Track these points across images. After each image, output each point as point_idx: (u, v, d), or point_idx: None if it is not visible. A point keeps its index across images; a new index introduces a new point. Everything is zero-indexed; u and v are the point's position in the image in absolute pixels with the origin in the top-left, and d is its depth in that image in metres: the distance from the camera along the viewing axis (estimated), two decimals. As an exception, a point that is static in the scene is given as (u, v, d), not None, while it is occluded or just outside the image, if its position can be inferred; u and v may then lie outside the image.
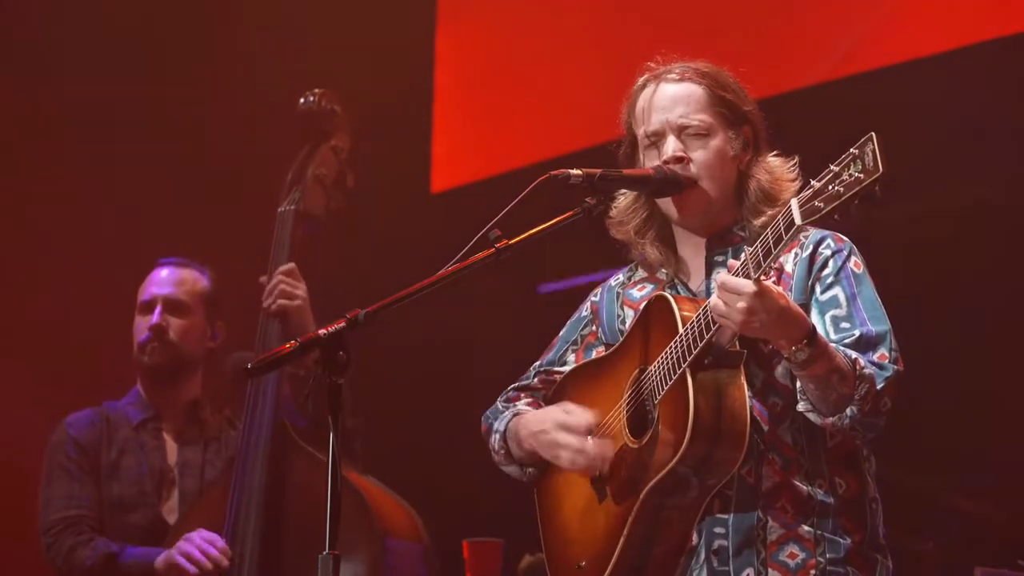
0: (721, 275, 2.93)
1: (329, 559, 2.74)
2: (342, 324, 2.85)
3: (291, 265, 4.58)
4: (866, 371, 2.97)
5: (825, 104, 5.47)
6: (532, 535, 3.70)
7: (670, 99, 3.24)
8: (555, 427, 3.22)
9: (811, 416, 3.03)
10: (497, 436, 3.40)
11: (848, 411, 2.97)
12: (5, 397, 5.89)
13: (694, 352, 3.00)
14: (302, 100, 4.80)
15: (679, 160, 3.21)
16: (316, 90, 4.80)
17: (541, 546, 3.46)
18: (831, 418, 2.99)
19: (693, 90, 3.24)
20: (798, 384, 3.03)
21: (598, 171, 3.16)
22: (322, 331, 2.84)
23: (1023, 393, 5.13)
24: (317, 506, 2.73)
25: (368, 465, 4.58)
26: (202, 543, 4.33)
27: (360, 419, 4.58)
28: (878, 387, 2.98)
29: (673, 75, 3.27)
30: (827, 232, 3.20)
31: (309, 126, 4.81)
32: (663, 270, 3.31)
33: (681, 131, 3.22)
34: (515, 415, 3.39)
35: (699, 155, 3.21)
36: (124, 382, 4.87)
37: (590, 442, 3.16)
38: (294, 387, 4.52)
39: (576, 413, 3.21)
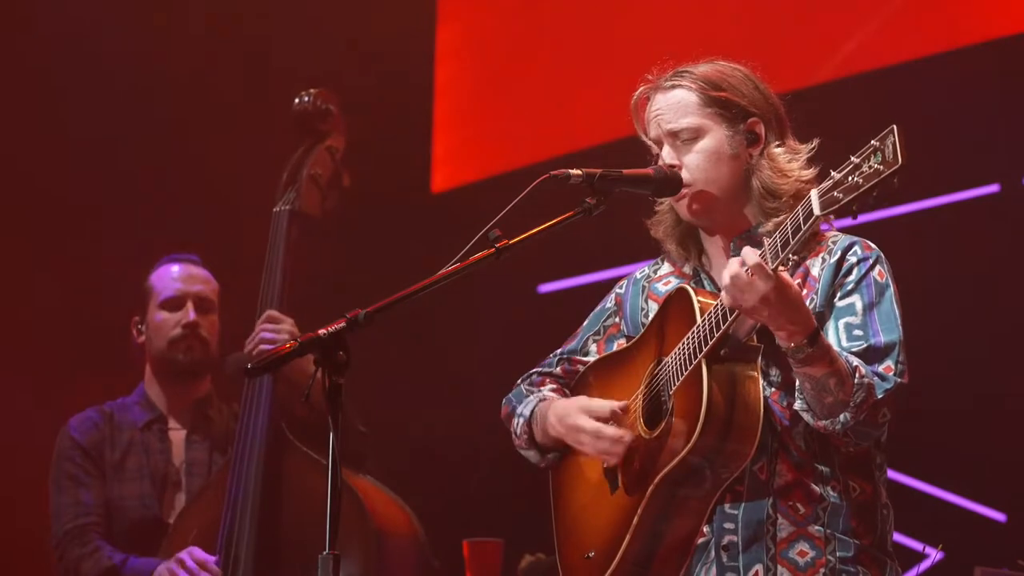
0: (751, 256, 2.91)
1: (329, 559, 2.74)
2: (342, 324, 2.85)
3: (270, 312, 4.59)
4: (865, 380, 2.97)
5: (827, 104, 5.46)
6: (532, 535, 3.71)
7: (662, 108, 3.25)
8: (578, 411, 3.24)
9: (805, 416, 3.03)
10: (521, 420, 3.39)
11: (841, 417, 2.97)
12: (7, 395, 5.89)
13: (710, 342, 3.00)
14: (297, 100, 4.80)
15: (671, 167, 3.22)
16: (311, 90, 4.80)
17: (543, 543, 3.46)
18: (824, 421, 3.00)
19: (683, 96, 3.24)
20: (797, 382, 3.03)
21: (598, 171, 3.16)
22: (322, 331, 2.84)
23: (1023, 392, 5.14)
24: (313, 506, 2.74)
25: (375, 456, 4.58)
26: (193, 567, 4.33)
27: (370, 437, 4.59)
28: (877, 397, 2.98)
29: (667, 83, 3.27)
30: (856, 239, 3.19)
31: (304, 126, 4.82)
32: (688, 264, 3.33)
33: (674, 138, 3.23)
34: (541, 400, 3.39)
35: (689, 159, 3.22)
36: (126, 380, 4.86)
37: (609, 427, 3.17)
38: (292, 387, 4.51)
39: (601, 400, 3.23)
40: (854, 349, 3.05)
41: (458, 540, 4.62)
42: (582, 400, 3.28)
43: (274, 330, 4.56)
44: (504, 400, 3.48)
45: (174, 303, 4.75)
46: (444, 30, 6.94)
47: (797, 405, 3.03)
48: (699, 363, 3.02)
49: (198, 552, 4.37)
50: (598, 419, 3.20)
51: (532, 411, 3.38)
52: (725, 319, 2.98)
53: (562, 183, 3.14)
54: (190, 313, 4.71)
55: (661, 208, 3.35)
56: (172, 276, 4.79)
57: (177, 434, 4.76)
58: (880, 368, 3.03)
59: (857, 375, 2.96)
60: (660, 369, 3.16)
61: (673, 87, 3.26)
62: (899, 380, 3.03)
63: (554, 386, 3.45)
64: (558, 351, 3.51)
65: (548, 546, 3.42)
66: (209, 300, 4.78)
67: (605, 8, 6.42)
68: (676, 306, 3.17)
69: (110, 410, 4.75)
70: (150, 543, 4.54)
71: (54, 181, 6.10)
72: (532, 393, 3.43)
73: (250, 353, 4.55)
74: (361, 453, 4.54)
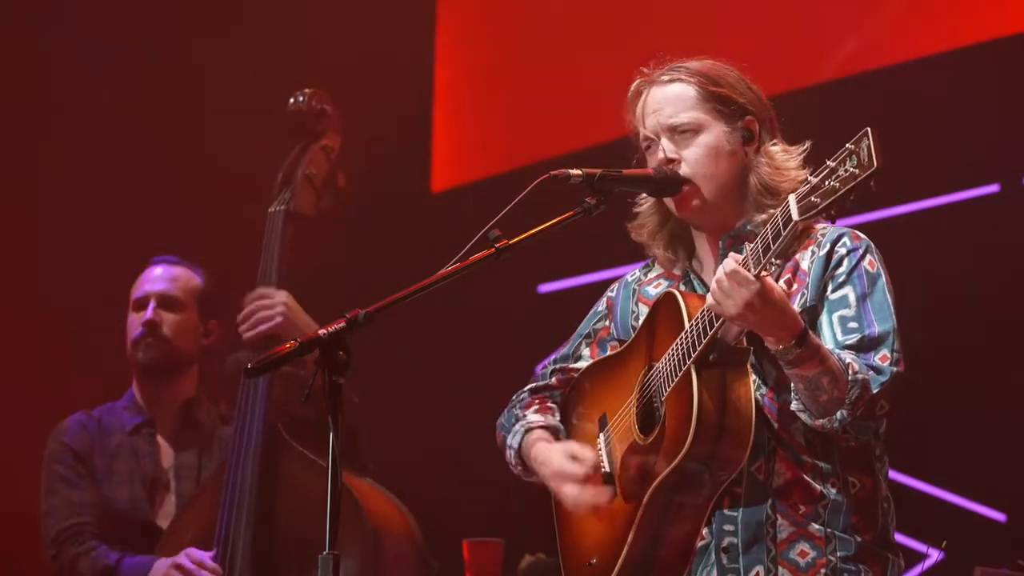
0: (730, 263, 2.92)
1: (329, 559, 2.74)
2: (342, 324, 2.85)
3: (259, 290, 4.59)
4: (859, 376, 2.96)
5: (827, 104, 5.47)
6: (532, 535, 3.71)
7: (660, 101, 3.24)
8: (553, 476, 3.26)
9: (802, 416, 3.02)
10: (512, 452, 3.41)
11: (838, 415, 2.97)
12: (3, 395, 5.90)
13: (698, 348, 3.00)
14: (292, 100, 4.79)
15: (671, 161, 3.21)
16: (306, 90, 4.79)
17: (543, 543, 3.45)
18: (820, 420, 2.99)
19: (683, 90, 3.24)
20: (791, 383, 3.03)
21: (598, 171, 3.16)
22: (322, 331, 2.83)
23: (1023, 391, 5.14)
24: (309, 507, 2.74)
25: (377, 461, 4.58)
26: (192, 567, 4.34)
27: (365, 416, 4.58)
28: (873, 391, 2.97)
29: (664, 77, 3.27)
30: (845, 230, 3.19)
31: (299, 126, 4.81)
32: (678, 266, 3.32)
33: (673, 132, 3.22)
34: (526, 431, 3.39)
35: (689, 153, 3.21)
36: (119, 383, 4.87)
37: (586, 494, 3.19)
38: (288, 387, 4.51)
39: (578, 459, 3.23)
40: (849, 341, 3.04)
41: (458, 540, 4.61)
42: (556, 458, 3.27)
43: (269, 306, 4.55)
44: (497, 425, 3.49)
45: (139, 304, 4.79)
46: (444, 30, 6.94)
47: (793, 406, 3.03)
48: (688, 369, 3.02)
49: (195, 552, 4.37)
50: (574, 482, 3.21)
51: (520, 443, 3.39)
52: (712, 324, 2.97)
53: (562, 183, 3.14)
54: (148, 311, 4.72)
55: (642, 211, 3.35)
56: (143, 278, 4.83)
57: (165, 438, 4.77)
58: (876, 358, 3.03)
59: (851, 371, 2.96)
60: (651, 375, 3.15)
61: (671, 81, 3.25)
62: (895, 370, 3.02)
63: (538, 407, 3.45)
64: (552, 358, 3.51)
65: (548, 546, 3.42)
66: (174, 298, 4.78)
67: (604, 8, 6.42)
68: (664, 311, 3.17)
69: (98, 416, 4.77)
70: (142, 545, 4.55)
71: (50, 182, 6.10)
72: (519, 420, 3.43)
73: (250, 340, 4.55)
74: (355, 426, 4.52)
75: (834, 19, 5.76)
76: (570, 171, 3.14)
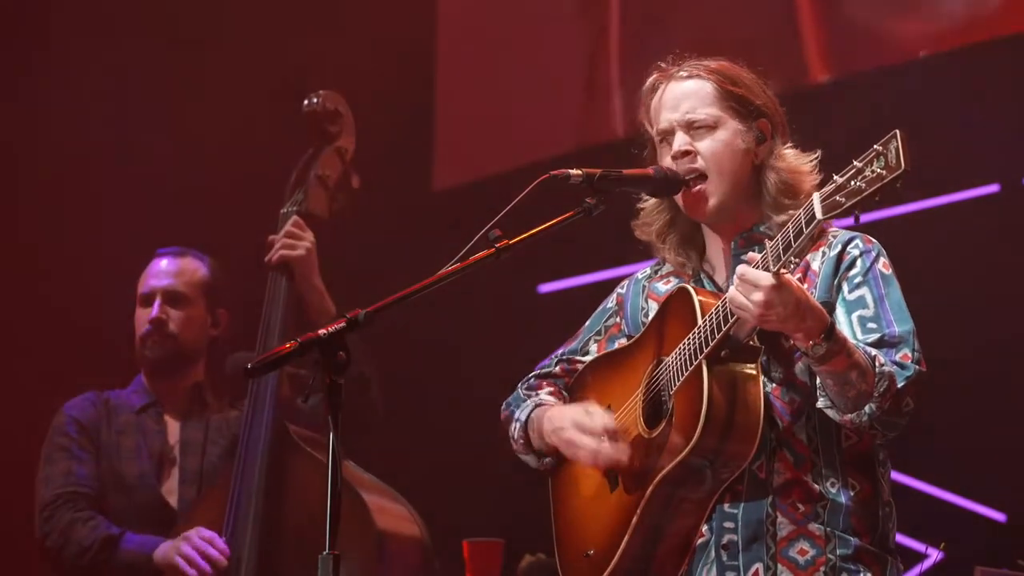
0: (740, 267, 2.93)
1: (329, 559, 2.74)
2: (342, 324, 2.85)
3: (297, 218, 4.60)
4: (886, 368, 2.97)
5: (827, 104, 5.47)
6: (532, 535, 3.70)
7: (678, 96, 3.25)
8: (573, 426, 3.23)
9: (830, 413, 3.03)
10: (518, 425, 3.40)
11: (867, 408, 2.96)
12: (6, 388, 5.89)
13: (711, 344, 3.00)
14: (306, 102, 4.79)
15: (686, 154, 3.21)
16: (320, 92, 4.80)
17: (543, 543, 3.45)
18: (850, 415, 2.99)
19: (701, 86, 3.24)
20: (817, 380, 3.03)
21: (598, 171, 3.16)
22: (322, 331, 2.83)
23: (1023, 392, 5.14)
24: (316, 506, 2.73)
25: (387, 408, 4.56)
26: (201, 543, 4.33)
27: (373, 367, 4.58)
28: (899, 385, 2.97)
29: (682, 73, 3.27)
30: (856, 233, 3.20)
31: (313, 128, 4.82)
32: (689, 267, 3.32)
33: (689, 127, 3.22)
34: (537, 405, 3.39)
35: (705, 146, 3.21)
36: (127, 372, 4.87)
37: (606, 444, 3.17)
38: (293, 387, 4.52)
39: (595, 415, 3.22)
40: (869, 340, 3.05)
41: (458, 540, 4.61)
42: (575, 413, 3.26)
43: (299, 235, 4.58)
44: (504, 404, 3.49)
45: (145, 299, 4.77)
46: (445, 28, 6.94)
47: (820, 403, 3.03)
48: (700, 364, 3.02)
49: (205, 531, 4.37)
50: (592, 435, 3.19)
51: (528, 416, 3.38)
52: (726, 320, 2.98)
53: (562, 183, 3.14)
54: (154, 309, 4.72)
55: (646, 207, 3.35)
56: (149, 272, 4.81)
57: (172, 417, 4.77)
58: (897, 357, 3.03)
59: (877, 364, 2.96)
60: (660, 369, 3.15)
61: (689, 77, 3.26)
62: (918, 368, 3.03)
63: (551, 389, 3.45)
64: (558, 351, 3.51)
65: (548, 546, 3.42)
66: (180, 293, 4.76)
67: (606, 8, 6.42)
68: (676, 306, 3.17)
69: (106, 396, 4.77)
70: (151, 520, 4.54)
71: (58, 172, 6.11)
72: (529, 397, 3.43)
73: (270, 260, 4.56)
74: (366, 375, 4.52)
75: (834, 19, 5.77)
76: (570, 171, 3.15)
